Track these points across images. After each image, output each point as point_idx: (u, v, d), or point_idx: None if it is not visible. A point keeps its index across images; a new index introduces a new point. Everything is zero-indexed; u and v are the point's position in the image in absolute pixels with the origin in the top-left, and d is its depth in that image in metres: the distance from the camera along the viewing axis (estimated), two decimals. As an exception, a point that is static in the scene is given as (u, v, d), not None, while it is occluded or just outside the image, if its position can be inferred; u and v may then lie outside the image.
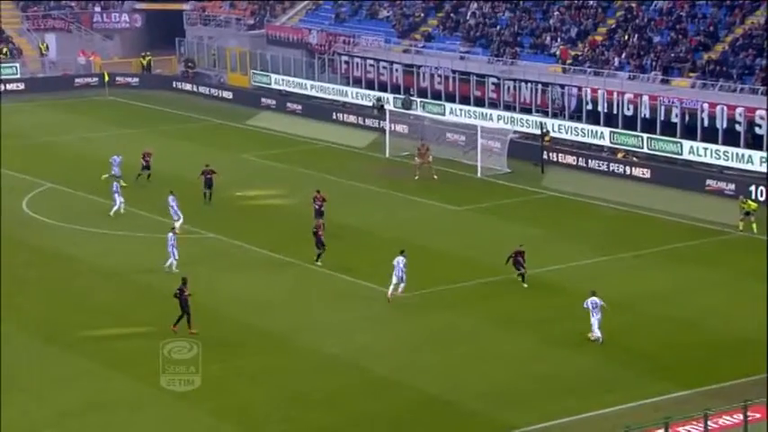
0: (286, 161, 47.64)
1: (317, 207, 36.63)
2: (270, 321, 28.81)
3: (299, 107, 58.26)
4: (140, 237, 36.86)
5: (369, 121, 54.02)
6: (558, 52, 52.62)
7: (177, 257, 32.60)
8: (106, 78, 63.75)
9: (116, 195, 38.45)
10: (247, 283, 32.42)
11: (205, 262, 34.26)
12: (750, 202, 37.18)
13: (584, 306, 27.61)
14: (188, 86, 64.86)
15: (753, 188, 38.78)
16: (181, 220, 36.38)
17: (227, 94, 62.58)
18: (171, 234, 32.98)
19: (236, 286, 32.06)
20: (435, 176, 43.19)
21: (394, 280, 30.09)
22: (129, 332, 28.61)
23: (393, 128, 49.29)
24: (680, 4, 51.89)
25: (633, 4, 53.40)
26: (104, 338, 28.23)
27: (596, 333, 27.43)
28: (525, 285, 31.47)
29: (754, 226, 36.20)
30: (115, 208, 38.31)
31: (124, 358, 27.02)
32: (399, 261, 30.29)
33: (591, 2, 54.99)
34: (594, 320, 27.44)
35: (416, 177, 43.30)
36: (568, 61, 51.68)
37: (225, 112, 58.83)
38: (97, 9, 72.34)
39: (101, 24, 71.68)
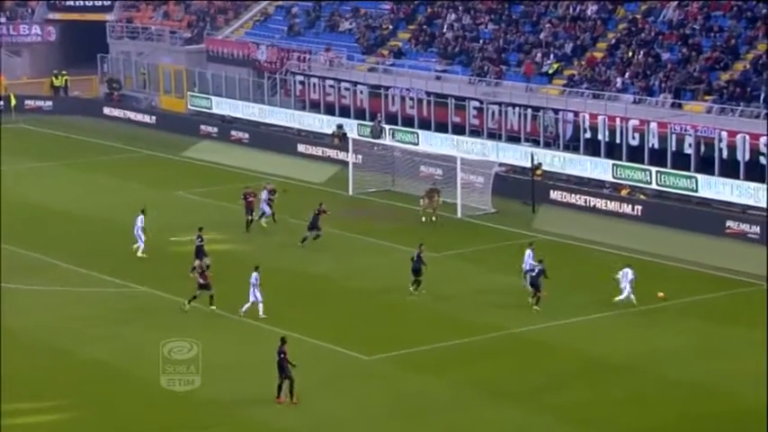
0: (229, 199, 47.75)
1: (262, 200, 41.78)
2: (211, 389, 28.78)
3: (246, 136, 58.58)
4: (57, 291, 36.83)
5: (328, 153, 54.41)
6: (525, 69, 53.45)
7: (261, 299, 33.53)
8: (13, 102, 63.79)
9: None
10: (183, 344, 32.40)
11: (134, 320, 34.27)
12: None
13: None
14: (112, 111, 65.05)
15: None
16: (141, 245, 39.31)
17: (160, 121, 62.79)
18: (255, 275, 33.74)
19: (169, 349, 32.01)
20: (423, 219, 43.39)
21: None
22: (43, 407, 28.48)
23: (357, 160, 49.69)
24: (693, 16, 52.90)
25: (638, 16, 54.38)
26: (15, 415, 28.05)
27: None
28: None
29: None
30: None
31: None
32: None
33: (589, 12, 55.92)
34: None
35: (434, 219, 43.50)
36: (559, 81, 52.56)
37: (156, 141, 58.96)
38: (1, 20, 72.43)
39: (6, 38, 71.80)
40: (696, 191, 44.91)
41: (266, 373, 30.24)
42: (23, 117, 63.43)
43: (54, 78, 67.11)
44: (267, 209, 43.03)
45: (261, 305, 33.93)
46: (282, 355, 28.03)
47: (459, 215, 44.84)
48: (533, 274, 35.13)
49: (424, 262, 35.81)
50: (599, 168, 47.84)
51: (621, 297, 34.56)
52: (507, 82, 53.97)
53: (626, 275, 34.63)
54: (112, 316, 34.52)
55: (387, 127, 54.48)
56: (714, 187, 44.45)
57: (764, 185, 43.25)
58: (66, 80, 67.13)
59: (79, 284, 37.30)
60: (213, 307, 34.41)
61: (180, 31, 68.69)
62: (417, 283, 35.58)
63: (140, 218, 39.82)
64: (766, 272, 36.74)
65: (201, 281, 34.22)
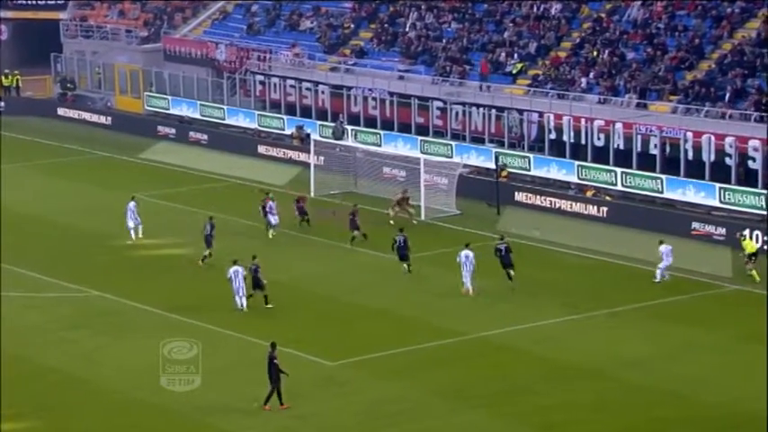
0: (188, 202, 47.61)
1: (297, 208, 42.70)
2: (168, 398, 28.70)
3: (205, 137, 58.38)
4: (9, 297, 36.55)
5: (290, 154, 54.34)
6: (480, 67, 53.79)
7: (245, 294, 34.44)
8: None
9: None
10: (138, 350, 32.20)
11: (87, 326, 34.14)
12: (748, 241, 38.20)
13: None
14: (66, 112, 64.61)
15: (746, 233, 39.77)
16: (140, 227, 41.63)
17: (116, 122, 62.44)
18: (240, 269, 34.37)
19: (124, 355, 31.92)
20: (392, 223, 43.43)
21: (465, 277, 35.47)
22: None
23: (319, 161, 49.65)
24: (657, 15, 53.28)
25: (602, 15, 54.70)
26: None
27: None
28: None
29: (755, 273, 37.08)
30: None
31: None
32: (467, 255, 35.48)
33: (553, 11, 56.18)
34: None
35: (415, 222, 43.58)
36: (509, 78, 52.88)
37: (112, 142, 58.65)
38: (-49, 18, 71.81)
39: (-44, 37, 71.18)
40: (662, 192, 45.23)
41: (228, 379, 30.22)
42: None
43: (3, 78, 66.43)
44: (273, 219, 42.26)
45: (241, 299, 34.60)
46: (274, 361, 27.95)
47: (423, 217, 44.92)
48: (502, 253, 36.20)
49: (409, 246, 37.08)
50: (564, 169, 48.08)
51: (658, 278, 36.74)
52: (471, 82, 54.13)
53: (668, 254, 36.43)
54: (67, 321, 34.35)
55: (349, 128, 54.48)
56: (679, 188, 44.74)
57: (731, 186, 43.64)
58: (17, 80, 66.54)
59: (32, 289, 37.05)
60: (270, 305, 34.93)
61: (136, 30, 68.35)
62: (408, 266, 37.53)
63: (132, 203, 41.72)
64: (767, 277, 36.99)
65: (257, 281, 34.85)
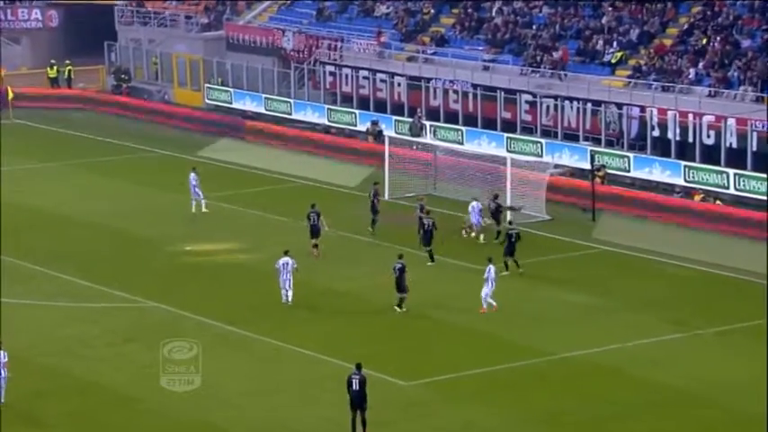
0: (250, 205, 47.82)
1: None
2: (227, 418, 28.71)
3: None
4: (58, 306, 36.93)
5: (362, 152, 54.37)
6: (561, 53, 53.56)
7: (291, 287, 36.01)
8: (10, 95, 64.12)
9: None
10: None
11: (142, 338, 34.32)
12: None
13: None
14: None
15: None
16: (203, 201, 45.32)
17: (174, 116, 62.97)
18: (290, 260, 36.04)
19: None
20: (464, 234, 43.27)
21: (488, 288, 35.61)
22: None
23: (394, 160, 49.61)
24: (776, -3, 52.59)
25: (714, -2, 54.14)
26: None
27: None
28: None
29: None
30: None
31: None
32: (496, 270, 35.71)
33: (658, -6, 55.74)
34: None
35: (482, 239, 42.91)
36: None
37: (170, 139, 59.16)
38: (-2, 3, 73.09)
39: (4, 24, 72.42)
40: (780, 196, 44.58)
41: (287, 400, 30.21)
42: (21, 112, 63.71)
43: (49, 69, 67.20)
44: (475, 218, 42.34)
45: (287, 292, 35.74)
46: (363, 384, 27.71)
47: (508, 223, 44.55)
48: (512, 240, 38.45)
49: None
50: (669, 170, 47.51)
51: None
52: (564, 73, 53.78)
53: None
54: (118, 334, 34.58)
55: (428, 123, 54.41)
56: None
57: None
58: (69, 71, 67.43)
59: (82, 299, 37.39)
60: (402, 309, 35.64)
61: (196, 17, 68.97)
62: (431, 254, 39.69)
63: (192, 176, 45.47)
64: (766, 269, 36.79)
65: (401, 283, 35.70)
